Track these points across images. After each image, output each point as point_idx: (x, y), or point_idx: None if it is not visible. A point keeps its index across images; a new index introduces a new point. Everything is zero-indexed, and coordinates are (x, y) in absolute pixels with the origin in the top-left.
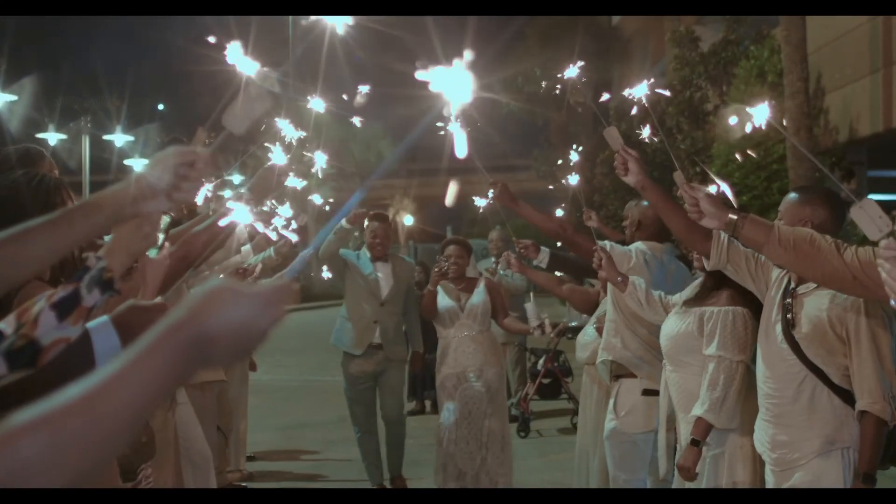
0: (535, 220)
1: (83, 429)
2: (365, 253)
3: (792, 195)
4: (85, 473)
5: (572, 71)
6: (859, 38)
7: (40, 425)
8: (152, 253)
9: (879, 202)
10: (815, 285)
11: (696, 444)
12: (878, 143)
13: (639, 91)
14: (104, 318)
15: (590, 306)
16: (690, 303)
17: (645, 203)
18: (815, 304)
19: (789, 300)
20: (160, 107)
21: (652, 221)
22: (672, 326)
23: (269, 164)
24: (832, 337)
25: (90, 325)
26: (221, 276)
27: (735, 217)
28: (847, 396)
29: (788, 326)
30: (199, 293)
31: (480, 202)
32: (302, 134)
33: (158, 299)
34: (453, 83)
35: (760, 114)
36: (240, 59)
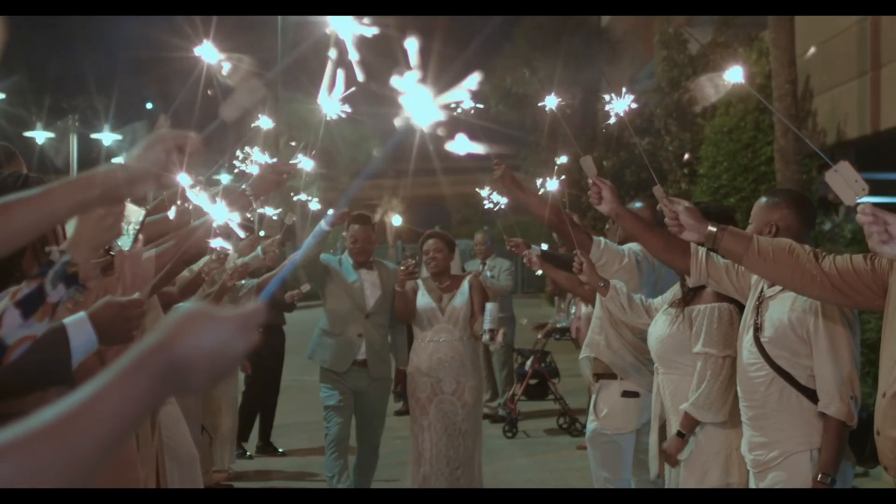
0: (535, 207)
1: (55, 455)
2: (347, 259)
3: (762, 199)
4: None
5: (552, 101)
6: (847, 40)
7: (11, 450)
8: (126, 246)
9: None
10: (781, 287)
11: (681, 435)
12: (865, 146)
13: (619, 106)
14: (81, 314)
15: None
16: (678, 303)
17: (638, 205)
18: (779, 307)
19: (759, 303)
20: (148, 105)
21: None
22: (661, 328)
23: (270, 161)
24: (794, 339)
25: (67, 320)
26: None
27: (714, 229)
28: (816, 397)
29: (756, 330)
30: (173, 318)
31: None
32: (271, 124)
33: (137, 295)
34: (422, 103)
35: (734, 75)
36: (208, 51)
